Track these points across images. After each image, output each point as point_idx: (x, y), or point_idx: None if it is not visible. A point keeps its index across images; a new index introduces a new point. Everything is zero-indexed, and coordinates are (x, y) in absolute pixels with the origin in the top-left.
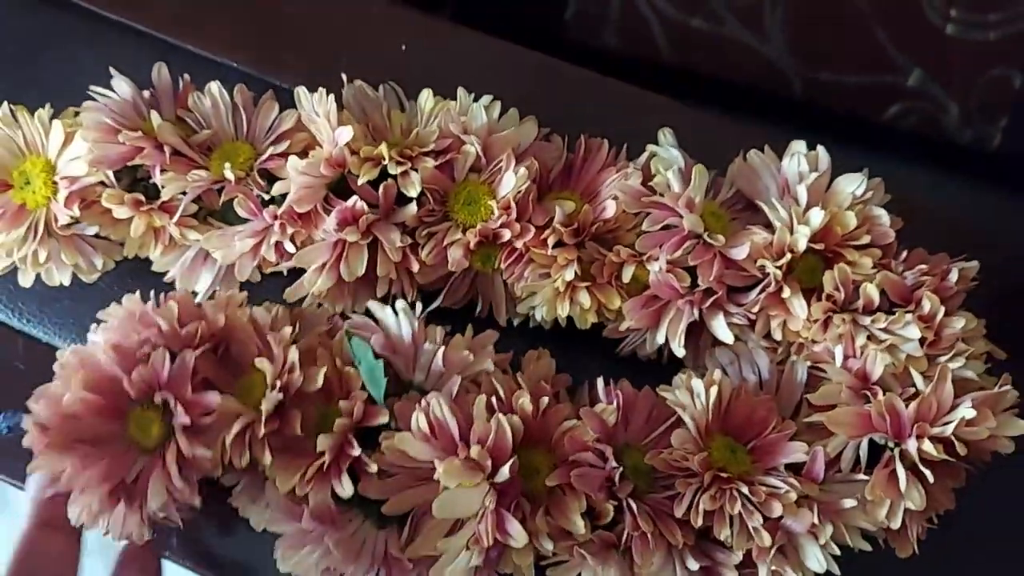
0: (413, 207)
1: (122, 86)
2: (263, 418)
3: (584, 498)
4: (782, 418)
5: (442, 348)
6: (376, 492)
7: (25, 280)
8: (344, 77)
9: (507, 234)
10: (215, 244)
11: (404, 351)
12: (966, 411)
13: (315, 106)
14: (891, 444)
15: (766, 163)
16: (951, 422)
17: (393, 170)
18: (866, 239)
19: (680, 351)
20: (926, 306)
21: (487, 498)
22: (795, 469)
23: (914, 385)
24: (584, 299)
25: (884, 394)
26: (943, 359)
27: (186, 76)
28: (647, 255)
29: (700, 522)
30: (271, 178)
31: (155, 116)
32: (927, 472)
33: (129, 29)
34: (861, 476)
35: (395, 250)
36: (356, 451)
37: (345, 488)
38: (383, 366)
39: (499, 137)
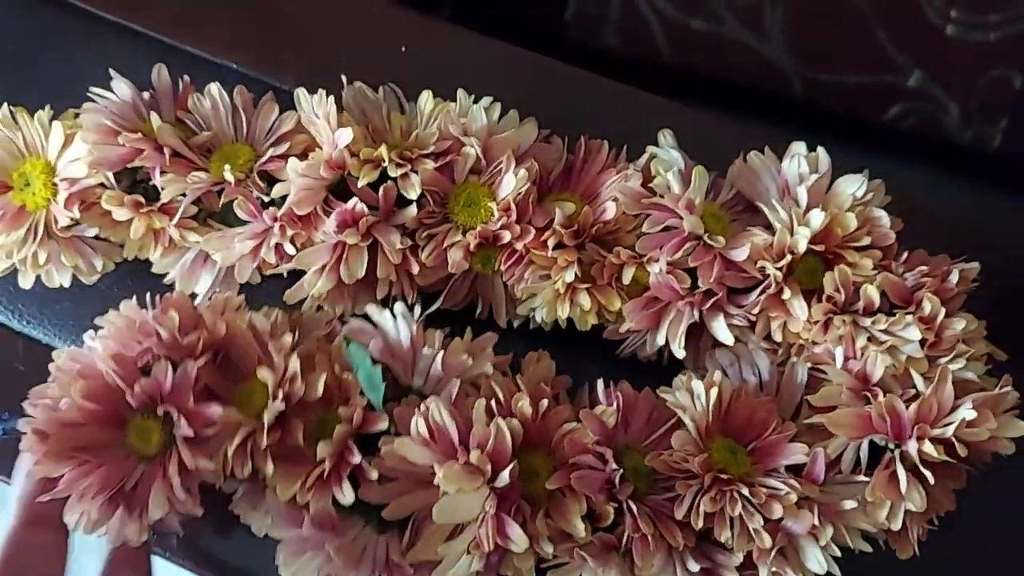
0: (413, 209)
1: (122, 88)
2: (265, 428)
3: (584, 500)
4: (782, 419)
5: (441, 352)
6: (376, 497)
7: (25, 282)
8: (344, 79)
9: (507, 236)
10: (215, 246)
11: (402, 356)
12: (967, 412)
13: (315, 108)
14: (891, 445)
15: (766, 164)
16: (952, 423)
17: (393, 172)
18: (866, 240)
19: (680, 352)
20: (927, 307)
21: (487, 502)
22: (795, 470)
23: (915, 386)
24: (584, 301)
25: (884, 395)
26: (944, 360)
27: (186, 77)
28: (647, 256)
29: (700, 524)
30: (271, 180)
31: (155, 118)
32: (928, 473)
33: (128, 30)
34: (861, 477)
35: (395, 252)
36: (356, 458)
37: (346, 495)
38: (381, 371)
39: (499, 139)
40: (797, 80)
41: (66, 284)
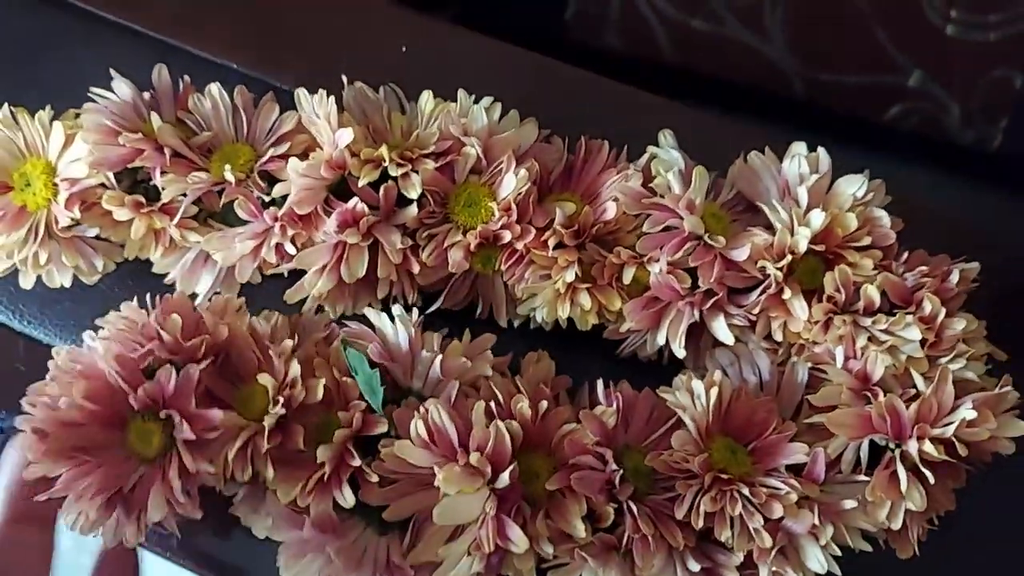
0: (414, 209)
1: (122, 88)
2: (266, 433)
3: (584, 501)
4: (783, 419)
5: (439, 355)
6: (377, 499)
7: (26, 282)
8: (344, 79)
9: (508, 236)
10: (215, 246)
11: (401, 359)
12: (967, 412)
13: (315, 108)
14: (892, 445)
15: (767, 165)
16: (952, 423)
17: (394, 172)
18: (867, 240)
19: (681, 352)
20: (927, 307)
21: (487, 504)
22: (796, 470)
23: (915, 386)
24: (585, 300)
25: (885, 395)
26: (944, 360)
27: (186, 78)
28: (648, 256)
29: (701, 523)
30: (271, 180)
31: (155, 118)
32: (928, 473)
33: (129, 30)
34: (862, 477)
35: (396, 252)
36: (356, 461)
37: (347, 498)
38: (380, 374)
39: (500, 139)
40: (797, 80)
41: (67, 284)
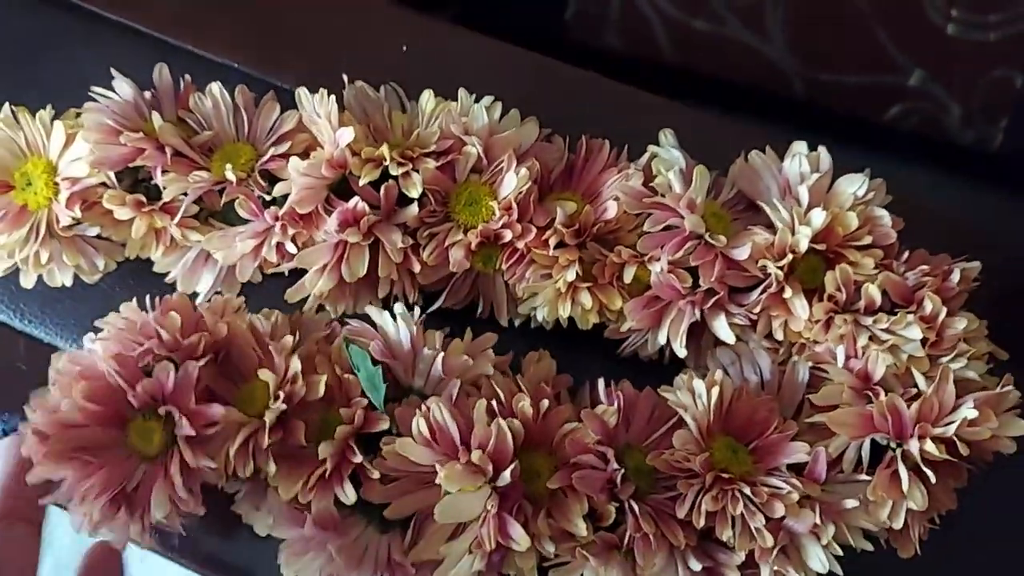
0: (414, 208)
1: (123, 87)
2: (267, 428)
3: (586, 500)
4: (784, 418)
5: (441, 353)
6: (378, 497)
7: (27, 281)
8: (345, 78)
9: (508, 235)
10: (216, 245)
11: (403, 357)
12: (968, 411)
13: (316, 107)
14: (893, 444)
15: (767, 164)
16: (953, 422)
17: (394, 171)
18: (868, 240)
19: (682, 351)
20: (928, 307)
21: (489, 502)
22: (797, 469)
23: (916, 385)
24: (586, 300)
25: (886, 394)
26: (945, 359)
27: (187, 77)
28: (649, 256)
29: (702, 523)
30: (272, 179)
31: (156, 117)
32: (929, 472)
33: (129, 29)
34: (863, 476)
35: (396, 251)
36: (358, 458)
37: (348, 495)
38: (382, 372)
39: (500, 138)
40: (798, 80)
41: (68, 283)
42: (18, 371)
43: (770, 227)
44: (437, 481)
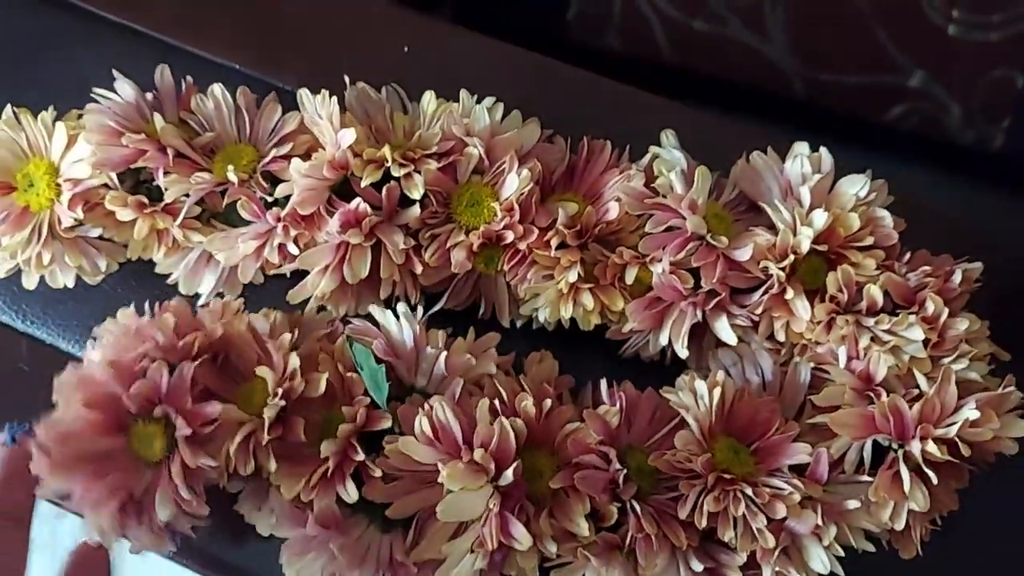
0: (416, 209)
1: (125, 88)
2: (266, 425)
3: (588, 500)
4: (785, 419)
5: (444, 352)
6: (380, 496)
7: (29, 282)
8: (347, 79)
9: (510, 236)
10: (218, 246)
11: (406, 355)
12: (970, 412)
13: (318, 108)
14: (895, 445)
15: (769, 165)
16: (955, 423)
17: (396, 172)
18: (869, 240)
19: (683, 352)
20: (929, 308)
21: (491, 501)
22: (799, 470)
23: (918, 386)
24: (587, 301)
25: (888, 395)
26: (947, 360)
27: (188, 78)
28: (650, 257)
29: (704, 523)
30: (274, 180)
31: (158, 119)
32: (931, 473)
33: (129, 30)
34: (865, 477)
35: (398, 252)
36: (360, 456)
37: (350, 494)
38: (385, 371)
39: (502, 139)
40: (798, 80)
41: (70, 284)
42: (20, 372)
43: (772, 228)
44: (439, 480)
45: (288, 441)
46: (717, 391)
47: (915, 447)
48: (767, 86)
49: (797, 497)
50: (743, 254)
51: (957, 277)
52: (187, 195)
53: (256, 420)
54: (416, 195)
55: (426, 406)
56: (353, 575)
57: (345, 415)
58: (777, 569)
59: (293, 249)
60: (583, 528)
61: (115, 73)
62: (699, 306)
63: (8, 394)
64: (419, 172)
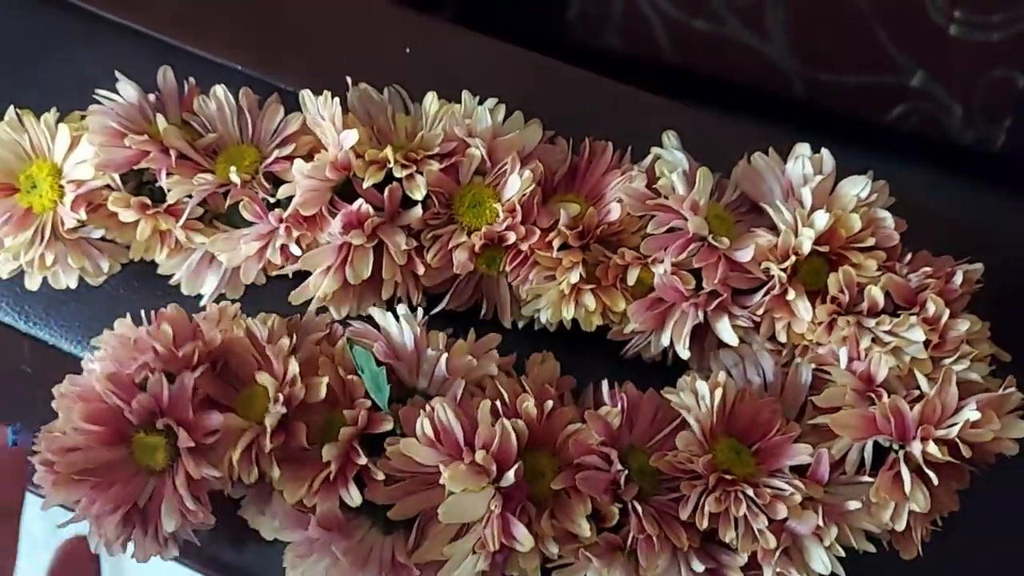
0: (418, 210)
1: (128, 90)
2: (268, 432)
3: (589, 501)
4: (786, 420)
5: (445, 354)
6: (382, 498)
7: (31, 283)
8: (349, 80)
9: (512, 237)
10: (221, 247)
11: (407, 357)
12: (971, 413)
13: (320, 109)
14: (896, 446)
15: (770, 166)
16: (956, 424)
17: (398, 173)
18: (870, 241)
19: (685, 353)
20: (930, 308)
21: (492, 502)
22: (800, 471)
23: (918, 387)
24: (589, 301)
25: (888, 396)
26: (948, 361)
27: (191, 79)
28: (652, 257)
29: (705, 524)
30: (276, 181)
31: (160, 120)
32: (931, 474)
33: (129, 30)
34: (865, 478)
35: (400, 253)
36: (362, 460)
37: (353, 497)
38: (386, 373)
39: (504, 140)
40: (798, 80)
41: (72, 285)
42: (23, 373)
43: (773, 229)
44: (441, 482)
45: (290, 446)
46: (718, 392)
47: (916, 448)
48: (767, 86)
49: (798, 498)
50: (745, 255)
51: (958, 278)
52: (190, 196)
53: (258, 427)
54: (418, 196)
55: (427, 408)
56: None
57: (346, 418)
58: (778, 570)
59: (295, 250)
60: (584, 529)
61: (118, 74)
62: (701, 307)
63: (10, 395)
64: (421, 173)
